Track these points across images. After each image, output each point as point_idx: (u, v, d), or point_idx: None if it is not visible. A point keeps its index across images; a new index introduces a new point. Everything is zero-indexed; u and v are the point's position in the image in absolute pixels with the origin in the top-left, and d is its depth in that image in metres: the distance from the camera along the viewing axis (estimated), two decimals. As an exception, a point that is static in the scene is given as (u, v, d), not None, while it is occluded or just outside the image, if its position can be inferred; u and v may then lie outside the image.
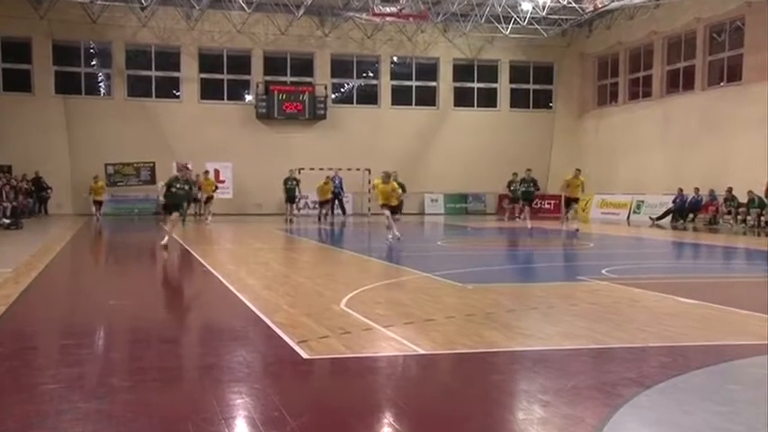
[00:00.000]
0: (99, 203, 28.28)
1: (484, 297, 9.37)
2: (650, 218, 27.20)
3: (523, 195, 24.91)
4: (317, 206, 29.11)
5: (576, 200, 22.96)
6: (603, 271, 11.72)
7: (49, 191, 30.78)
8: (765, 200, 24.23)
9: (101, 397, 4.94)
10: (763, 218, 24.33)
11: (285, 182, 27.35)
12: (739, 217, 24.98)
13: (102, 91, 33.83)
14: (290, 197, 27.30)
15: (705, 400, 4.96)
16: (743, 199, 25.05)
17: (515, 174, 29.25)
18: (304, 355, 6.11)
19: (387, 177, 18.00)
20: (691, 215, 27.24)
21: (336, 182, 29.87)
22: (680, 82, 30.32)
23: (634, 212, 30.18)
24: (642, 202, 30.00)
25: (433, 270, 11.74)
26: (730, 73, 27.98)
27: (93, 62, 33.62)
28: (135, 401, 4.86)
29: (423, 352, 6.27)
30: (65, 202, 31.15)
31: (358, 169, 31.67)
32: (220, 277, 11.25)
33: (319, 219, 28.00)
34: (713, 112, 27.82)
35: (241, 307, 8.66)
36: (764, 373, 5.80)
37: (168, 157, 30.90)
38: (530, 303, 9.07)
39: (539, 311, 8.49)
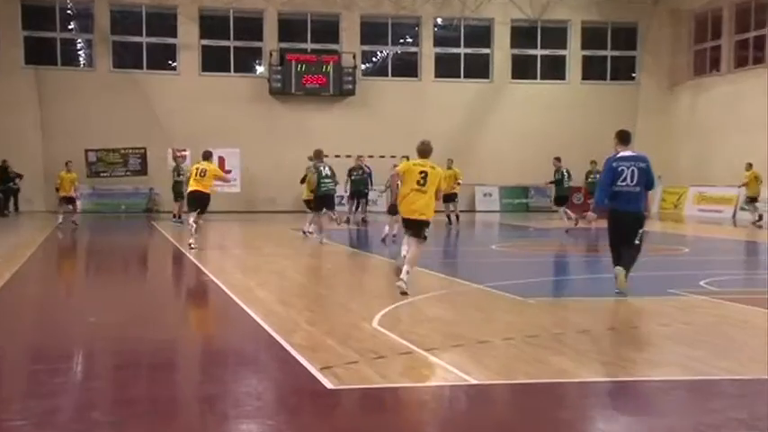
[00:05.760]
0: (70, 201, 24.41)
1: (550, 314, 9.33)
2: (760, 216, 26.71)
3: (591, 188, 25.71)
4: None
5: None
6: (702, 283, 11.56)
7: (17, 180, 30.38)
8: None
9: (79, 434, 4.97)
10: None
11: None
12: None
13: (83, 61, 34.19)
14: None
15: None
16: None
17: (594, 162, 29.07)
18: (328, 384, 6.11)
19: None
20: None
21: (356, 174, 29.85)
22: (801, 45, 29.78)
23: (741, 209, 29.70)
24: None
25: (487, 280, 11.66)
26: None
27: (72, 26, 33.93)
28: (120, 440, 4.88)
29: (474, 382, 6.23)
30: (35, 197, 31.39)
31: (393, 156, 31.56)
32: (225, 289, 11.29)
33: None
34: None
35: (250, 325, 8.68)
36: None
37: (162, 141, 31.14)
38: (608, 322, 8.96)
39: (619, 333, 8.40)
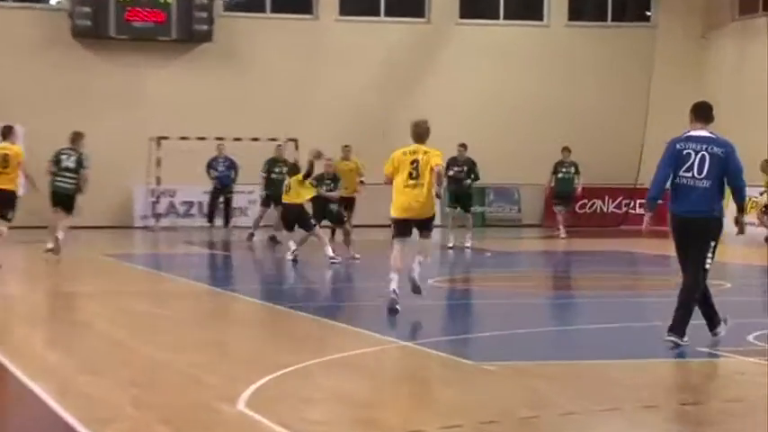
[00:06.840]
0: None
1: (517, 387, 9.41)
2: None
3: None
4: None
5: None
6: (750, 337, 11.75)
7: None
8: None
9: None
10: None
11: None
12: None
13: None
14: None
15: None
16: None
17: (566, 150, 29.54)
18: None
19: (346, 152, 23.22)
20: None
21: (221, 168, 29.99)
22: None
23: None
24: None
25: (420, 335, 11.73)
26: None
27: None
28: None
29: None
30: None
31: (274, 140, 31.50)
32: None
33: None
34: None
35: (38, 410, 8.52)
36: None
37: None
38: (606, 399, 9.06)
39: (624, 415, 8.50)
